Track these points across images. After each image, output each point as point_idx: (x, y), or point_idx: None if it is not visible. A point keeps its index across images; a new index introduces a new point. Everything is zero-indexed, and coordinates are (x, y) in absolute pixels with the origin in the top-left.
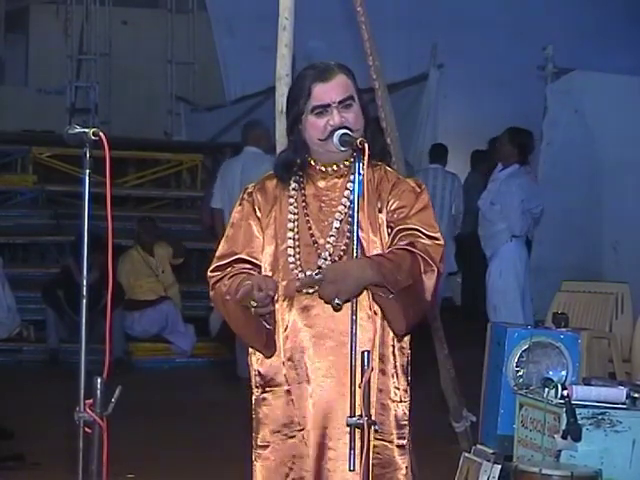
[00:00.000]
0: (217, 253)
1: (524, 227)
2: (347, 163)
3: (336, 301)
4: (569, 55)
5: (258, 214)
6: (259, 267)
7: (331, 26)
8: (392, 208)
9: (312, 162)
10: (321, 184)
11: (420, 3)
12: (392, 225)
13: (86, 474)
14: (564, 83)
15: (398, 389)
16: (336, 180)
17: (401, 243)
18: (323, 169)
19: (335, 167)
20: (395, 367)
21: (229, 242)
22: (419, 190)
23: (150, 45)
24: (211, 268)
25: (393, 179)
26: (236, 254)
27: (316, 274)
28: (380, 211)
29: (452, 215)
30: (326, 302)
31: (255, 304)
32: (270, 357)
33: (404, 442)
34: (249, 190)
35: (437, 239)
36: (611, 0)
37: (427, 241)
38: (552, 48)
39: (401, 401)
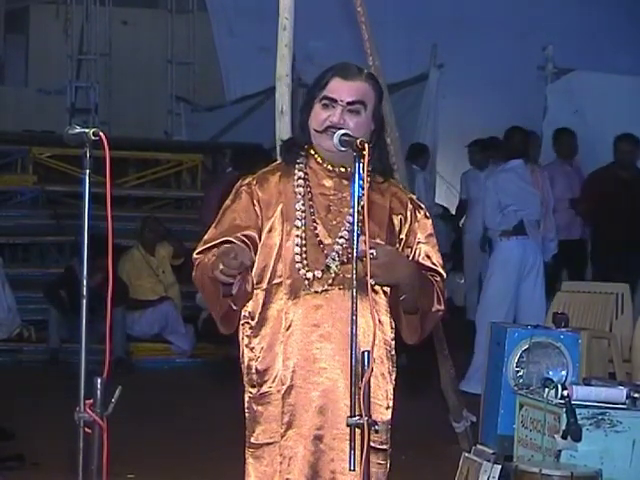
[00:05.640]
0: (205, 237)
1: (495, 221)
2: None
3: (372, 282)
4: (569, 55)
5: (256, 207)
6: None
7: (331, 26)
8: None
9: (319, 159)
10: (328, 183)
11: (420, 3)
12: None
13: (86, 474)
14: (564, 83)
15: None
16: (344, 181)
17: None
18: (330, 168)
19: (342, 169)
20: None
21: (218, 227)
22: (428, 216)
23: (150, 45)
24: (197, 251)
25: (405, 199)
26: (224, 237)
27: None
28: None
29: None
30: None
31: (221, 267)
32: (226, 334)
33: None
34: (247, 181)
35: (444, 277)
36: (611, 0)
37: (441, 282)
38: (552, 48)
39: (387, 407)
